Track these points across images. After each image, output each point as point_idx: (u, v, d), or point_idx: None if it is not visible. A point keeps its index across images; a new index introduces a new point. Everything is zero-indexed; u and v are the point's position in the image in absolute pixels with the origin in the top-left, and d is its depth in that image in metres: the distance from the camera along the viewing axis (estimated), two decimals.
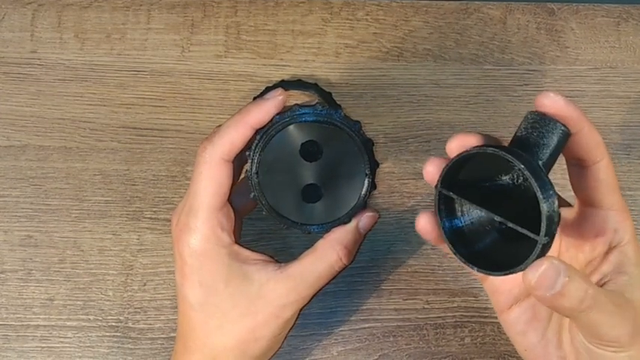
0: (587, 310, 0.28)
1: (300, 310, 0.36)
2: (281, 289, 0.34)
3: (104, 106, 0.47)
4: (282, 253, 0.45)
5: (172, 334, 0.44)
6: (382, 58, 0.48)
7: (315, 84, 0.46)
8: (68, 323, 0.44)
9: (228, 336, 0.34)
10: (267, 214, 0.36)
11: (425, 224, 0.31)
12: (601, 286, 0.32)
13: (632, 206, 0.46)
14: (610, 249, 0.32)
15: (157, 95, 0.47)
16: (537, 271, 0.27)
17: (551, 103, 0.29)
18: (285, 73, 0.47)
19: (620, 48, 0.48)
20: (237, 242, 0.36)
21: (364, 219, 0.36)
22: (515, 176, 0.31)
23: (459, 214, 0.31)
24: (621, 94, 0.47)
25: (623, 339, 0.30)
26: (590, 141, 0.31)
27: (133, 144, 0.46)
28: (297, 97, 0.46)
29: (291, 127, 0.35)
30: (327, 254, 0.35)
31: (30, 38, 0.48)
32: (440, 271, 0.45)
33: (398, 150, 0.46)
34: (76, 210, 0.45)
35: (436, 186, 0.30)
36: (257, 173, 0.35)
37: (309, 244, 0.37)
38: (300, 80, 0.47)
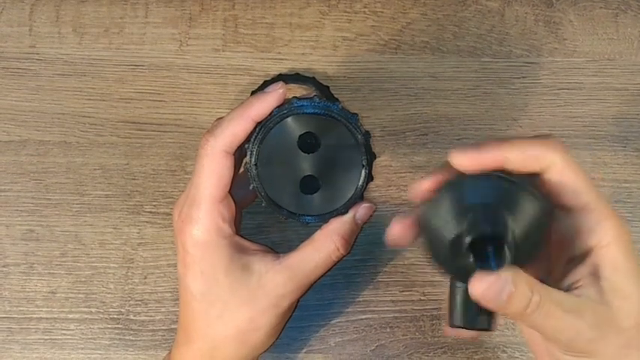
0: (531, 315, 0.30)
1: (298, 300, 0.39)
2: (279, 279, 0.38)
3: (103, 100, 0.50)
4: (281, 246, 0.48)
5: (173, 326, 0.47)
6: (380, 50, 0.51)
7: (313, 77, 0.49)
8: (70, 316, 0.48)
9: (228, 325, 0.38)
10: (266, 205, 0.39)
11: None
12: (573, 289, 0.33)
13: (628, 198, 0.49)
14: (588, 251, 0.33)
15: (155, 90, 0.50)
16: (483, 284, 0.29)
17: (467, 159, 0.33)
18: (283, 67, 0.50)
19: (618, 40, 0.51)
20: (237, 233, 0.39)
21: (361, 210, 0.39)
22: None
23: None
24: (619, 87, 0.50)
25: (577, 344, 0.32)
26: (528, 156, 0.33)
27: (132, 138, 0.50)
28: (295, 91, 0.49)
29: (289, 119, 0.38)
30: (325, 245, 0.38)
31: (28, 33, 0.51)
32: None
33: (395, 143, 0.50)
34: (76, 204, 0.49)
35: None
36: (256, 165, 0.38)
37: (307, 236, 0.40)
38: (297, 74, 0.50)
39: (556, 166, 0.33)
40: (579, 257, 0.34)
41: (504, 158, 0.33)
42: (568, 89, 0.50)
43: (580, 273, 0.33)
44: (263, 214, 0.48)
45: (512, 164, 0.33)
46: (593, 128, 0.50)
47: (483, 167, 0.33)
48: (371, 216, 0.40)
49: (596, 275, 0.33)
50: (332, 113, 0.38)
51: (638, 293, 0.33)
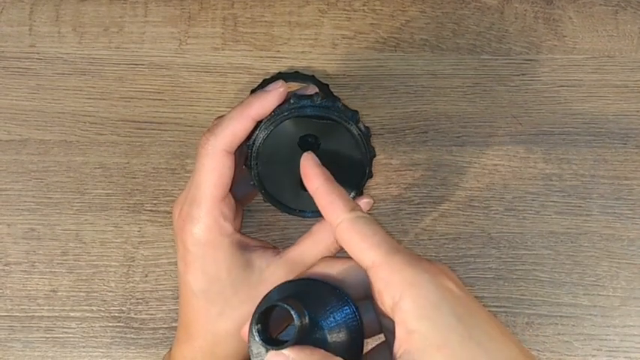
0: None
1: None
2: (280, 273, 0.38)
3: (103, 99, 0.51)
4: (282, 245, 0.49)
5: (174, 324, 0.48)
6: (379, 48, 0.52)
7: (313, 76, 0.50)
8: (72, 314, 0.49)
9: (229, 321, 0.39)
10: (266, 202, 0.40)
11: None
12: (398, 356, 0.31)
13: (629, 195, 0.50)
14: (393, 308, 0.32)
15: (155, 88, 0.51)
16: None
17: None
18: (283, 65, 0.51)
19: (618, 37, 0.52)
20: (238, 231, 0.40)
21: (360, 204, 0.40)
22: None
23: None
24: (619, 83, 0.51)
25: None
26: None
27: (132, 137, 0.51)
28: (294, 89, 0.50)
29: (290, 120, 0.39)
30: (324, 238, 0.39)
31: (28, 32, 0.52)
32: (437, 261, 0.49)
33: (395, 141, 0.50)
34: (77, 203, 0.50)
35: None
36: (256, 164, 0.39)
37: None
38: (297, 72, 0.51)
39: (337, 232, 0.35)
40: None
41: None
42: (568, 86, 0.51)
43: (398, 333, 0.32)
44: (264, 213, 0.49)
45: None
46: (593, 125, 0.51)
47: None
48: (369, 210, 0.41)
49: (407, 331, 0.31)
50: (332, 115, 0.39)
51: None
